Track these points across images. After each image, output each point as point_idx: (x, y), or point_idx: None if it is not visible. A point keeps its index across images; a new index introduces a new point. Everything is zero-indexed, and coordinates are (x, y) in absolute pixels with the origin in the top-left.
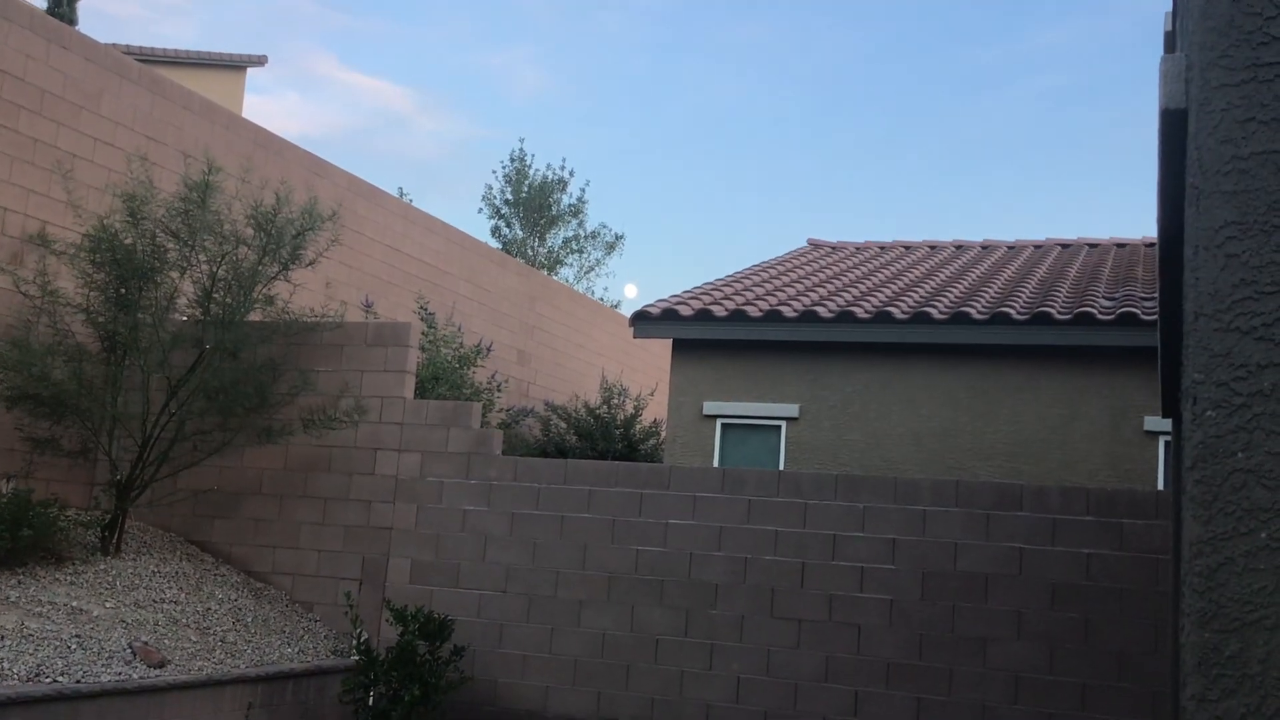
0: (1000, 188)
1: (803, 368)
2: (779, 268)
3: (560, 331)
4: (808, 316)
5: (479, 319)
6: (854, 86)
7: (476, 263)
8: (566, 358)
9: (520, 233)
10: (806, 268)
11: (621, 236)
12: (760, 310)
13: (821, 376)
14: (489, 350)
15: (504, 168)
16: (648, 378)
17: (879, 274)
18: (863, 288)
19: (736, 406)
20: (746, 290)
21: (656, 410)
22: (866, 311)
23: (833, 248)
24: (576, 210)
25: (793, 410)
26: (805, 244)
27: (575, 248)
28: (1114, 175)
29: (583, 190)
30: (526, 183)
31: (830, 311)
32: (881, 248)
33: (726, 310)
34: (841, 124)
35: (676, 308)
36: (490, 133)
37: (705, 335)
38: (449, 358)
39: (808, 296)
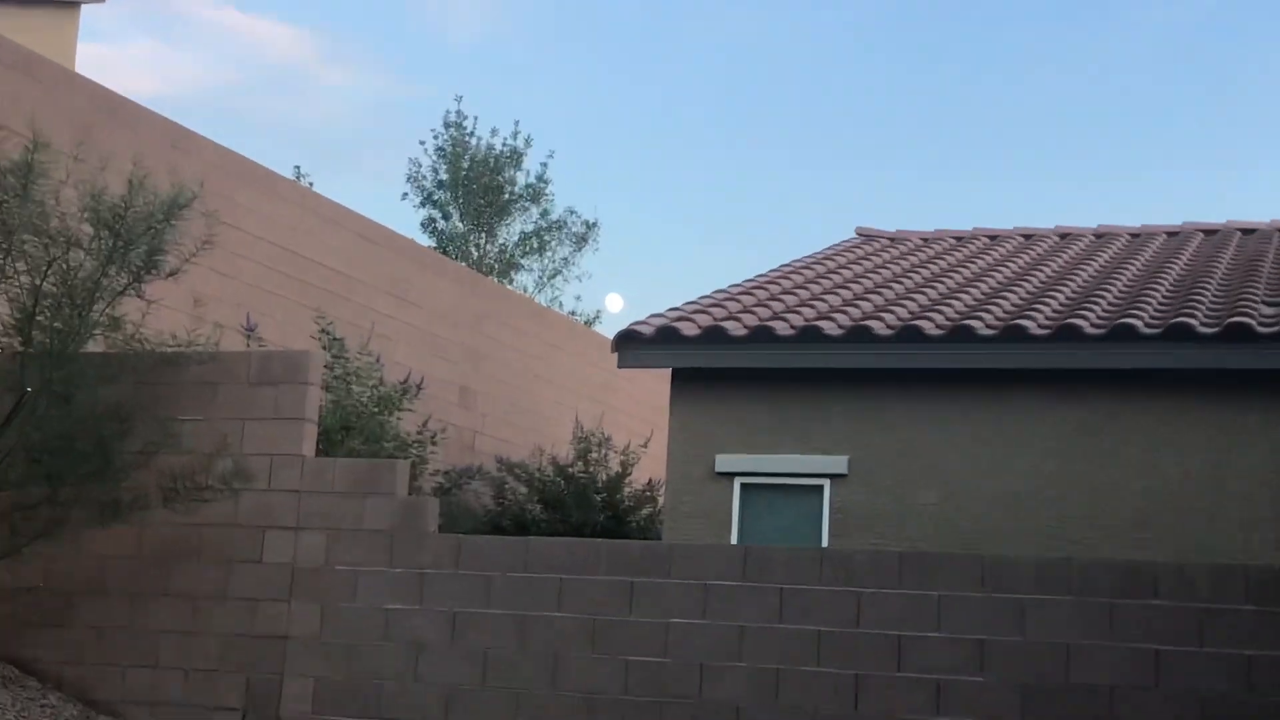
0: (1063, 169)
1: (853, 405)
2: (818, 268)
3: (517, 360)
4: (859, 334)
5: (406, 345)
6: (912, 29)
7: (402, 267)
8: (527, 396)
9: (461, 225)
10: (855, 267)
11: (594, 225)
12: (793, 326)
13: (879, 416)
14: (420, 388)
15: (437, 138)
16: (639, 422)
17: (953, 274)
18: (933, 293)
19: (762, 460)
20: (774, 299)
21: (652, 467)
22: (939, 325)
23: (890, 239)
24: (536, 193)
25: (839, 464)
26: (853, 235)
27: (535, 245)
28: (1190, 155)
29: (544, 167)
30: (468, 157)
31: (890, 326)
32: (956, 238)
33: (746, 327)
34: (898, 79)
35: (677, 325)
36: (419, 91)
37: (717, 362)
38: (364, 399)
39: (858, 306)
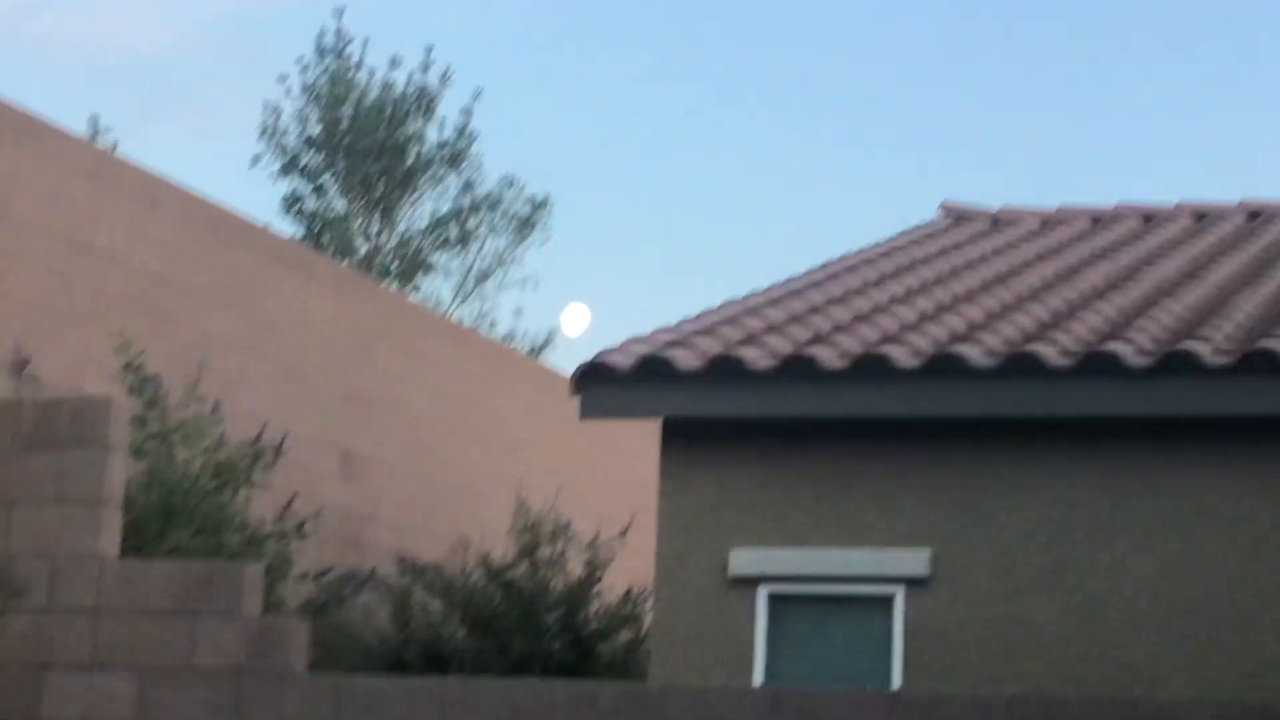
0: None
1: (939, 472)
2: (884, 264)
3: (428, 408)
4: (946, 365)
5: (258, 386)
6: None
7: (252, 268)
8: (443, 462)
9: (343, 204)
10: (940, 263)
11: (545, 205)
12: (845, 354)
13: (978, 489)
14: (280, 452)
15: (307, 71)
16: (614, 500)
17: (1089, 270)
18: (1058, 300)
19: (800, 558)
20: (816, 312)
21: (634, 568)
22: (1067, 352)
23: (994, 220)
24: (456, 156)
25: (917, 562)
26: (936, 216)
27: (456, 233)
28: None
29: (468, 116)
30: (352, 102)
31: (993, 353)
32: (1094, 218)
33: (775, 355)
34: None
35: (669, 353)
36: (279, 3)
37: (730, 408)
38: (195, 468)
39: (943, 322)
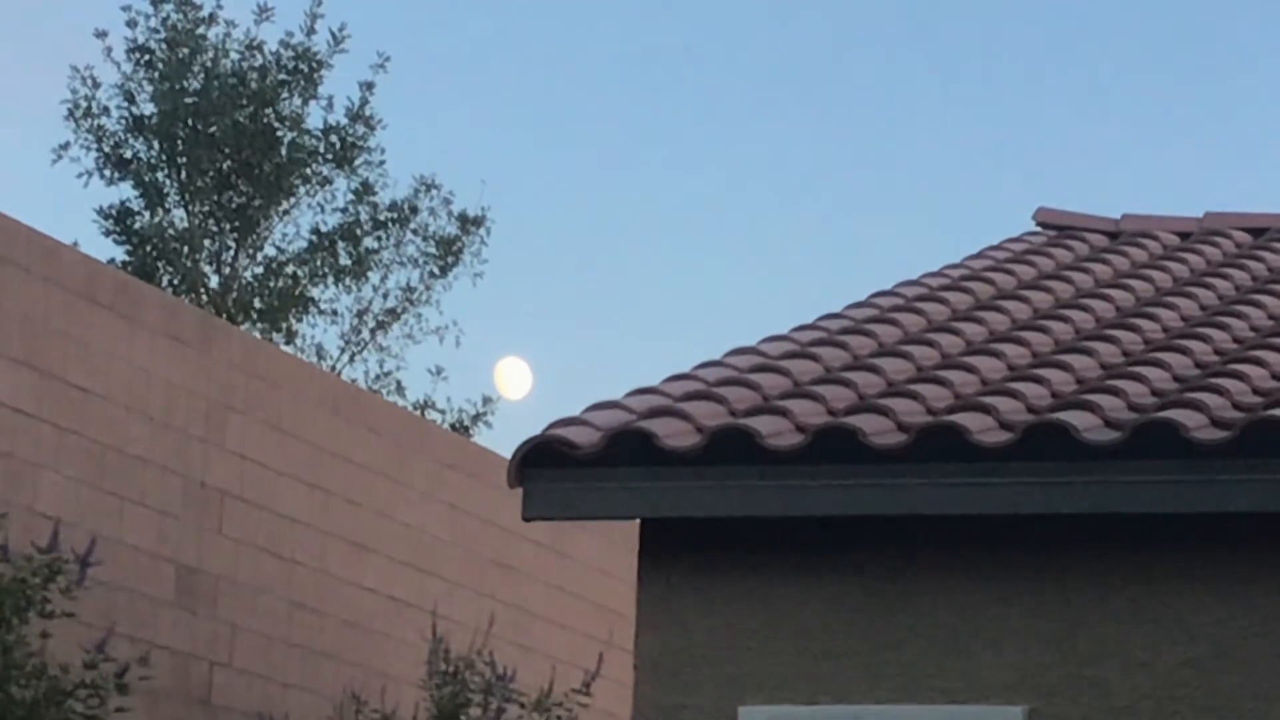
0: None
1: (1034, 596)
2: (957, 295)
3: (305, 503)
4: (1042, 441)
5: (55, 474)
6: None
7: (50, 307)
8: (326, 582)
9: (185, 215)
10: (1034, 294)
11: (479, 222)
12: (906, 426)
13: (1094, 618)
14: (87, 565)
15: (136, 24)
16: (572, 633)
17: (1258, 302)
18: (1202, 350)
19: (835, 716)
20: (861, 366)
21: None
22: (1218, 424)
23: (1110, 236)
24: (349, 148)
25: None
26: (1033, 225)
27: (349, 259)
28: None
29: (366, 93)
30: (200, 68)
31: (1115, 424)
32: (1252, 228)
33: (800, 427)
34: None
35: (649, 425)
36: None
37: (737, 505)
38: None
39: (1040, 380)
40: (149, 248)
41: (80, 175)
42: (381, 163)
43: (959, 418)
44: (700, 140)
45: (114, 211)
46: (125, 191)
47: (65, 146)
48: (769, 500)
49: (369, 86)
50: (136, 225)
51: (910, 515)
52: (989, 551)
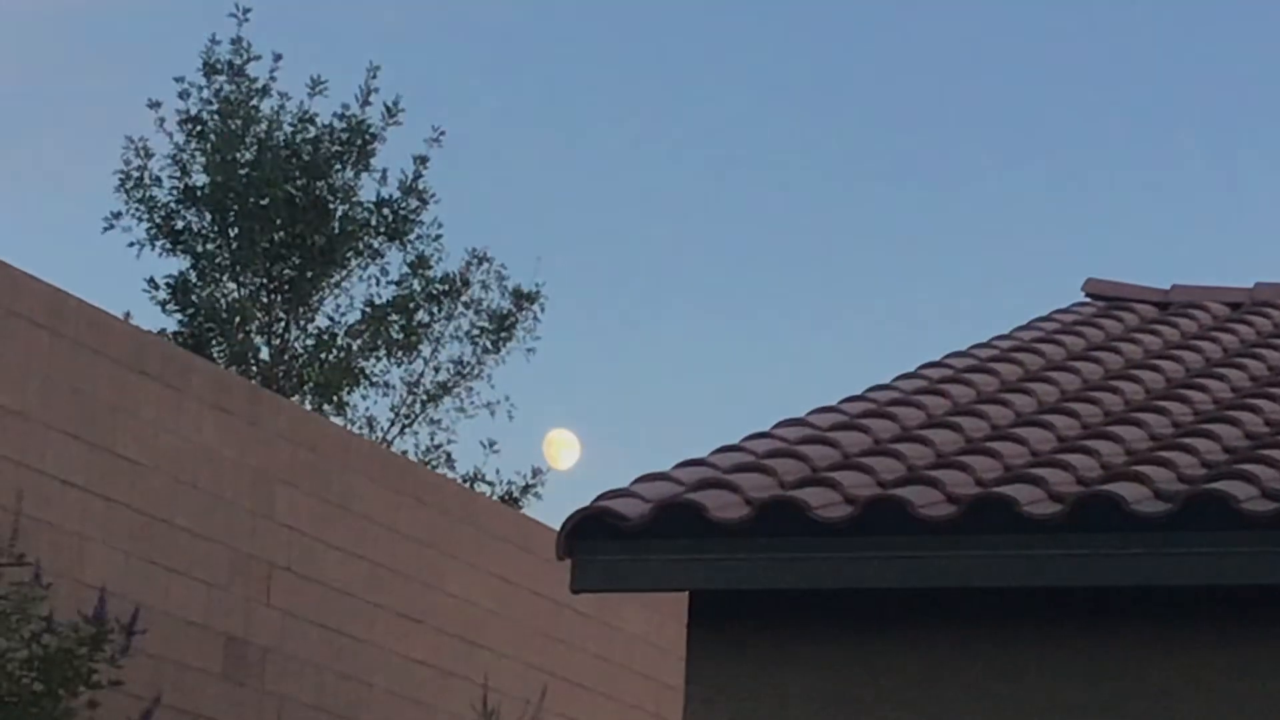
0: None
1: (1086, 666)
2: (1007, 367)
3: (354, 575)
4: (1092, 512)
5: (102, 544)
6: None
7: (99, 378)
8: (374, 654)
9: (236, 286)
10: (1084, 365)
11: (534, 298)
12: (953, 499)
13: (1143, 687)
14: (132, 633)
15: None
16: (617, 709)
17: None
18: (1254, 423)
19: None
20: (911, 438)
21: None
22: (1268, 495)
23: (1160, 306)
24: (401, 221)
25: None
26: (1082, 296)
27: (399, 332)
28: None
29: (420, 167)
30: (253, 139)
31: (1160, 498)
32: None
33: (854, 501)
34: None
35: (699, 497)
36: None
37: (789, 577)
38: (15, 661)
39: (1091, 452)
40: (198, 318)
41: (130, 245)
42: (438, 236)
43: (1009, 489)
44: (750, 209)
45: (171, 283)
46: (181, 263)
47: (117, 216)
48: (818, 572)
49: (423, 160)
50: (185, 294)
51: (960, 587)
52: (1039, 623)
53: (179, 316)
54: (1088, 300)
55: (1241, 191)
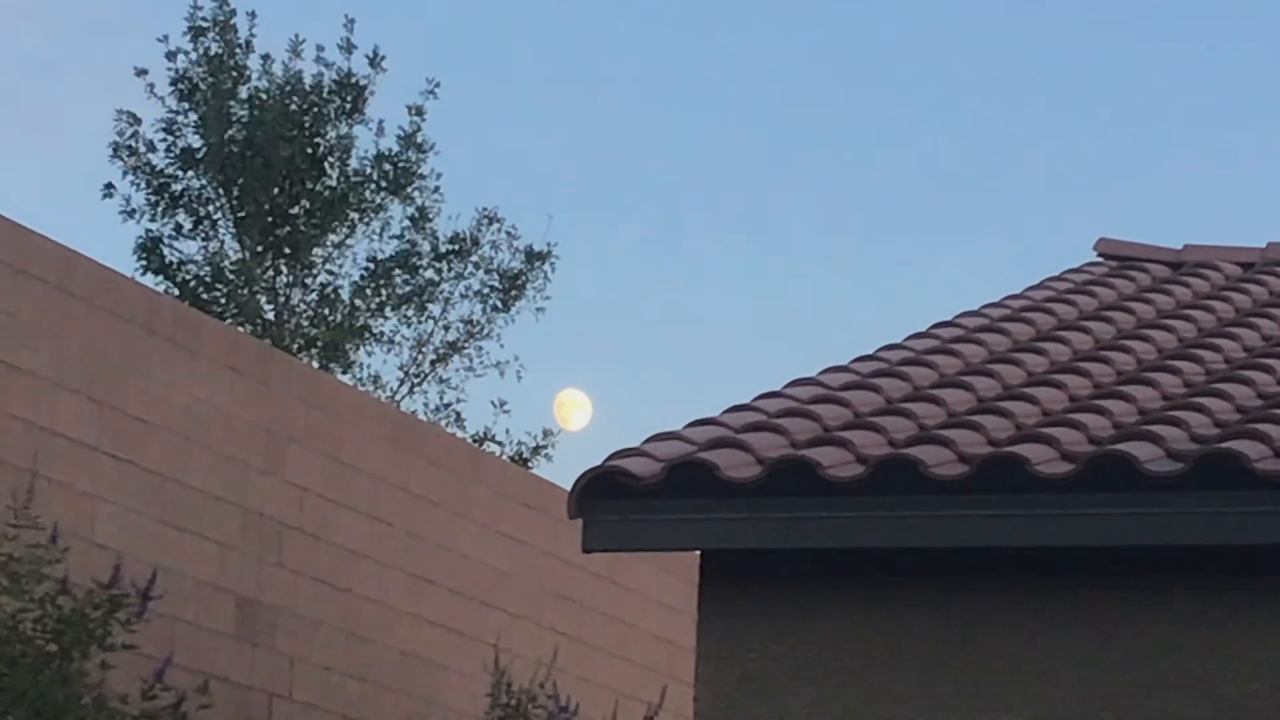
0: None
1: (1096, 626)
2: (1019, 326)
3: (364, 535)
4: (1104, 471)
5: (115, 506)
6: None
7: (109, 339)
8: (385, 614)
9: (241, 249)
10: (1097, 325)
11: (545, 257)
12: (964, 458)
13: (1154, 647)
14: (148, 598)
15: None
16: (635, 666)
17: None
18: (1266, 381)
19: None
20: (922, 397)
21: None
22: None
23: (1172, 266)
24: (403, 174)
25: None
26: (1094, 255)
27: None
28: None
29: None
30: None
31: (1172, 457)
32: None
33: (865, 461)
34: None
35: (710, 456)
36: None
37: (799, 537)
38: (28, 623)
39: (1103, 411)
40: (201, 278)
41: (123, 211)
42: (437, 189)
43: (1021, 449)
44: (765, 169)
45: (146, 249)
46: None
47: (109, 186)
48: (830, 532)
49: (419, 111)
50: (187, 255)
51: (972, 546)
52: (1050, 582)
53: (156, 278)
54: (1100, 260)
55: (1254, 151)
